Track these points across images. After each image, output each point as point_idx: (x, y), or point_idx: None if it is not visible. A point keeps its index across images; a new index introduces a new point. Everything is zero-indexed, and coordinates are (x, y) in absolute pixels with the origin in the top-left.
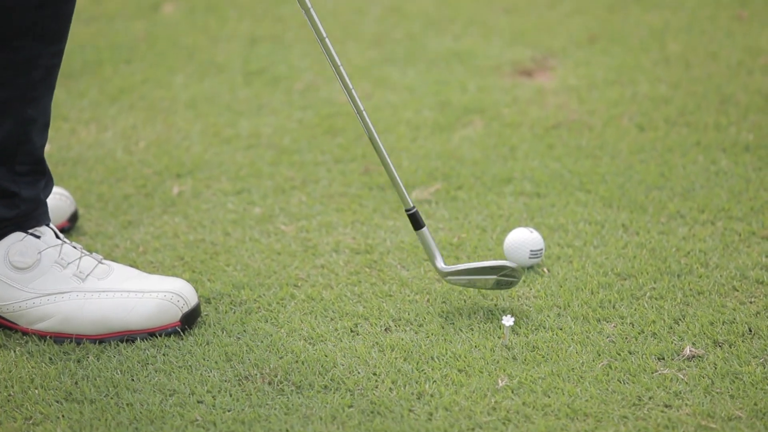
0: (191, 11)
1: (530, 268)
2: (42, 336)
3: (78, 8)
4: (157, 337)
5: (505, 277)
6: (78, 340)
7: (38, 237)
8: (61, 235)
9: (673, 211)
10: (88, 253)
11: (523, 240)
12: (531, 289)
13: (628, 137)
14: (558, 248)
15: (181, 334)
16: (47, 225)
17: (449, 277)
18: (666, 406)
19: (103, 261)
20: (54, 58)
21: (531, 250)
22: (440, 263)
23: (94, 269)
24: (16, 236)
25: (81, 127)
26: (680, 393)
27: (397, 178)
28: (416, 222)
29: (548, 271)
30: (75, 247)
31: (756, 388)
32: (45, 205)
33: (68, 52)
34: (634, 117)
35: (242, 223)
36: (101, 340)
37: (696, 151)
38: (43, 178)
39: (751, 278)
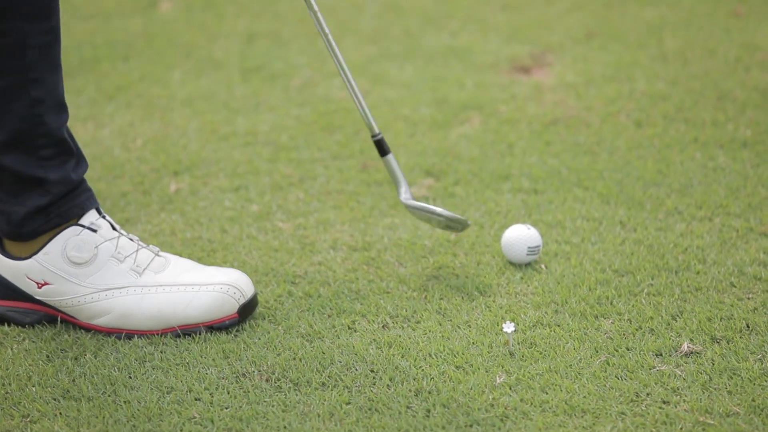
0: (188, 8)
1: (528, 264)
2: (104, 332)
3: (75, 5)
4: (215, 330)
5: (456, 225)
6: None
7: (95, 231)
8: (117, 227)
9: (670, 208)
10: (144, 245)
11: (520, 237)
12: (529, 286)
13: (625, 134)
14: (556, 245)
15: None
16: (97, 210)
17: (409, 208)
18: (664, 402)
19: (160, 253)
20: (47, 36)
21: (529, 247)
22: (404, 194)
23: (151, 262)
24: (73, 231)
25: (78, 124)
26: (678, 389)
27: (363, 104)
28: (381, 149)
29: (546, 267)
30: (132, 240)
31: (754, 384)
32: (81, 186)
33: (65, 49)
34: (631, 113)
35: (239, 220)
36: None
37: (693, 148)
38: (71, 158)
39: (748, 274)
